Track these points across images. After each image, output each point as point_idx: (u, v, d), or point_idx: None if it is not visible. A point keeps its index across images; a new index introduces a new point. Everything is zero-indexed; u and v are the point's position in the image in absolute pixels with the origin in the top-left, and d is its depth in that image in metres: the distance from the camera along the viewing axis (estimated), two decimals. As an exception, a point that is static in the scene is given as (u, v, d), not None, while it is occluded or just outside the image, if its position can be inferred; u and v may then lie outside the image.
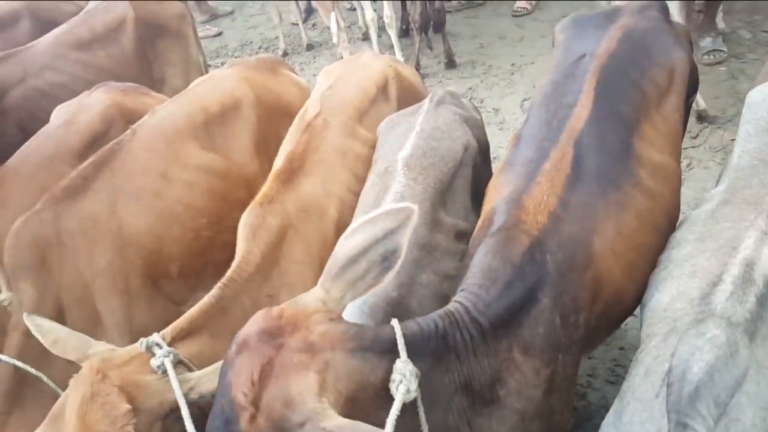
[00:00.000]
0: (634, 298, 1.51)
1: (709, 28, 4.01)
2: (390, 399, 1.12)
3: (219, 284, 1.57)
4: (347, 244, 1.23)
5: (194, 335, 1.49)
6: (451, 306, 1.32)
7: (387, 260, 1.22)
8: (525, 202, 1.45)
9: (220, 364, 1.23)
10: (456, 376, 1.28)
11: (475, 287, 1.34)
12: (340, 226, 1.77)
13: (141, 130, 2.02)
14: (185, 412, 1.21)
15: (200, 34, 4.66)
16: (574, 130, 1.55)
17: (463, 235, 1.70)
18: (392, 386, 1.14)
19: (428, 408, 1.21)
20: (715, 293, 1.22)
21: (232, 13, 6.19)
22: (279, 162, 1.91)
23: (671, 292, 1.35)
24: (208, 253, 2.00)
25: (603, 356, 2.36)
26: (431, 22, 4.36)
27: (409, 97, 2.22)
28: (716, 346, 1.13)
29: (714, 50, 3.97)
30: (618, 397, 1.36)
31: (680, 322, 1.23)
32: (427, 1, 4.26)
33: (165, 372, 1.31)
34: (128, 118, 2.25)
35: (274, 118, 2.21)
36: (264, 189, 1.78)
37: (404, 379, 1.13)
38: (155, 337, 1.38)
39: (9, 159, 2.11)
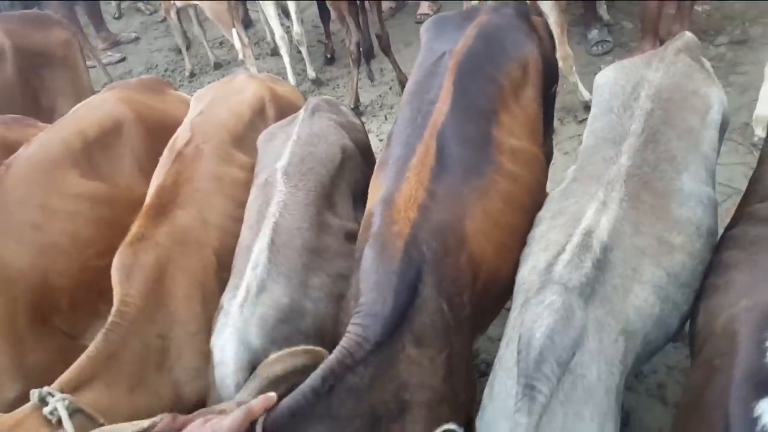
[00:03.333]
0: (509, 275, 1.58)
1: (594, 21, 4.26)
2: None
3: (102, 331, 1.53)
4: (273, 368, 1.29)
5: (87, 384, 1.45)
6: (340, 349, 1.31)
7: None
8: (396, 200, 1.51)
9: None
10: (358, 421, 1.29)
11: (367, 307, 1.36)
12: (223, 255, 1.77)
13: (15, 163, 1.95)
14: None
15: (103, 61, 4.58)
16: (436, 125, 1.63)
17: (352, 236, 1.74)
18: None
19: None
20: (556, 262, 1.32)
21: (137, 39, 6.08)
22: (149, 196, 1.87)
23: (528, 266, 1.45)
24: (100, 282, 1.90)
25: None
26: (372, 51, 4.06)
27: (289, 115, 2.20)
28: (554, 310, 1.23)
29: (601, 41, 4.22)
30: (492, 369, 1.45)
31: (530, 292, 1.33)
32: (365, 27, 3.93)
33: (60, 421, 1.27)
34: (11, 151, 2.19)
35: (162, 136, 2.15)
36: (133, 228, 1.74)
37: None
38: (46, 389, 1.34)
39: None
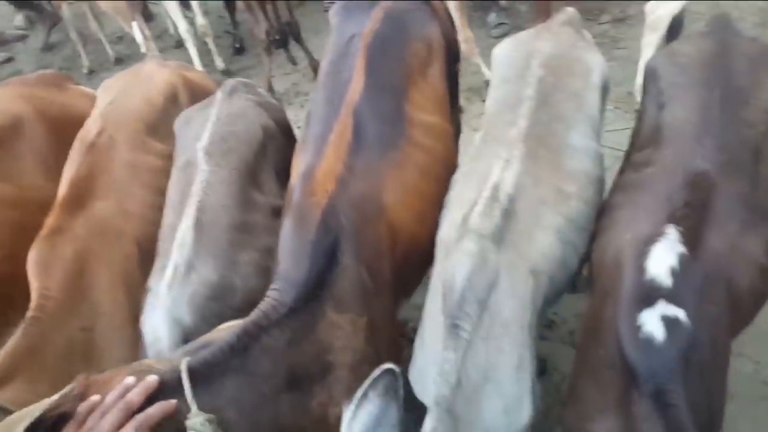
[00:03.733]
0: (429, 241, 1.69)
1: (492, 5, 4.51)
2: None
3: (21, 326, 1.51)
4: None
5: (7, 381, 1.43)
6: (257, 312, 1.36)
7: (220, 340, 1.27)
8: (315, 173, 1.58)
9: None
10: (276, 380, 1.34)
11: (285, 273, 1.42)
12: (144, 244, 1.76)
13: None
14: None
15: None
16: (351, 103, 1.72)
17: (279, 212, 1.78)
18: None
19: (256, 427, 1.26)
20: (471, 215, 1.47)
21: (24, 37, 5.72)
22: (62, 190, 1.84)
23: (447, 223, 1.59)
24: (12, 286, 1.83)
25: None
26: (287, 39, 4.04)
27: (202, 101, 2.19)
28: (471, 256, 1.37)
29: (499, 24, 4.48)
30: (420, 323, 1.58)
31: (450, 243, 1.47)
32: (273, 15, 3.90)
33: None
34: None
35: (66, 132, 2.09)
36: (48, 221, 1.71)
37: None
38: None
39: None
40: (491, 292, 1.37)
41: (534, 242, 1.49)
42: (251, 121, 1.93)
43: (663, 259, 1.26)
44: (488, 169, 1.59)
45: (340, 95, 1.76)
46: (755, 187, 1.44)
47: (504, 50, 1.92)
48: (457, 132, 2.22)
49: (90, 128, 1.99)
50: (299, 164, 1.71)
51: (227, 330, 1.33)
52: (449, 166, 1.83)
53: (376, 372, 1.11)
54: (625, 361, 1.19)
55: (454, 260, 1.39)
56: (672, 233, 1.30)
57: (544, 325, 2.48)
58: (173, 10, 4.18)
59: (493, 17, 4.46)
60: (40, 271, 1.62)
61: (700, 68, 1.63)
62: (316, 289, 1.42)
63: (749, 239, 1.37)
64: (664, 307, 1.20)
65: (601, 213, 1.64)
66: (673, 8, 2.96)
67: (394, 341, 1.66)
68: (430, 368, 1.43)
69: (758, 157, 1.50)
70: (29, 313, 1.54)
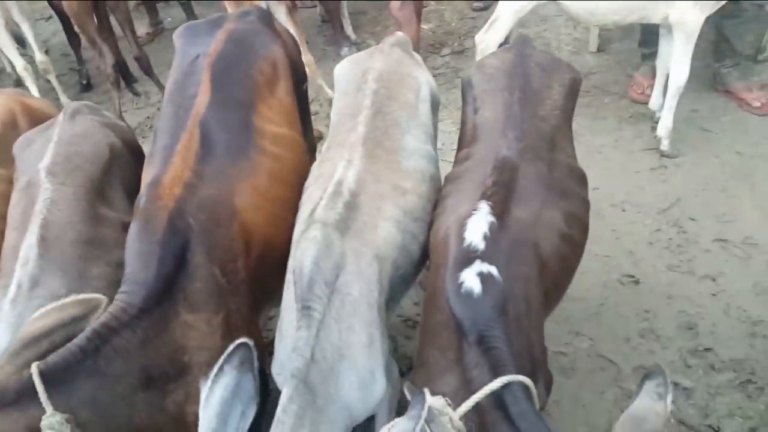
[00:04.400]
0: (285, 242, 1.77)
1: (343, 40, 4.79)
2: None
3: None
4: (35, 326, 1.28)
5: None
6: (107, 314, 1.38)
7: (68, 341, 1.30)
8: (162, 180, 1.62)
9: None
10: (129, 379, 1.36)
11: (133, 275, 1.45)
12: None
13: None
14: None
15: None
16: (198, 115, 1.80)
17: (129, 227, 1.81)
18: None
19: (112, 424, 1.29)
20: (317, 208, 1.60)
21: None
22: None
23: (299, 220, 1.71)
24: None
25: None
26: (129, 74, 4.01)
27: None
28: (316, 242, 1.50)
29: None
30: (278, 318, 1.66)
31: (298, 234, 1.59)
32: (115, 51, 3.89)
33: None
34: None
35: None
36: None
37: None
38: None
39: None
40: (338, 274, 1.50)
41: (377, 231, 1.65)
42: (97, 140, 1.93)
43: (477, 227, 1.47)
44: (333, 169, 1.73)
45: (186, 109, 1.82)
46: (551, 169, 1.73)
47: (343, 68, 2.11)
48: (311, 144, 2.36)
49: None
50: (147, 176, 1.74)
51: (44, 320, 1.31)
52: (301, 173, 1.94)
53: (231, 346, 1.17)
54: (453, 317, 1.36)
55: (302, 247, 1.51)
56: (483, 207, 1.52)
57: (409, 325, 2.65)
58: (6, 47, 3.94)
59: (345, 51, 4.74)
60: None
61: (504, 76, 1.92)
62: (165, 289, 1.45)
63: (549, 211, 1.63)
64: (479, 266, 1.40)
65: (435, 204, 1.84)
66: (498, 37, 3.37)
67: (255, 340, 1.71)
68: (288, 352, 1.51)
69: (553, 146, 1.79)
70: None
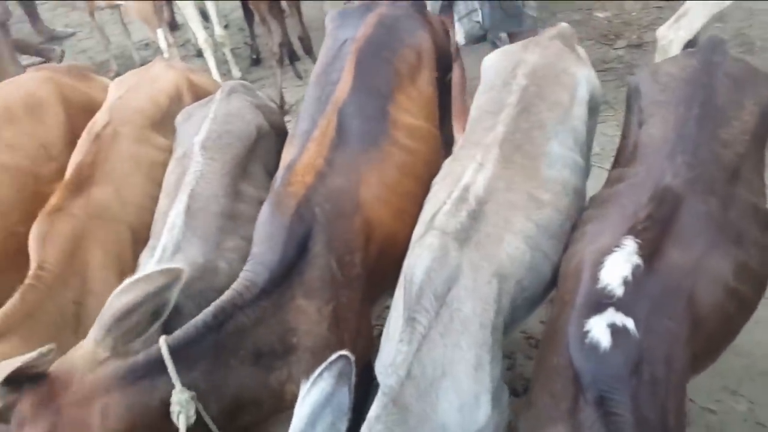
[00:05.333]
0: (409, 236, 1.69)
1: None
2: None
3: (19, 291, 1.62)
4: (120, 300, 1.33)
5: (2, 337, 1.53)
6: (230, 291, 1.45)
7: (156, 314, 1.36)
8: (296, 166, 1.66)
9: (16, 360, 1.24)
10: (243, 353, 1.42)
11: (259, 256, 1.51)
12: (139, 231, 1.86)
13: None
14: None
15: (25, 62, 4.51)
16: (337, 102, 1.78)
17: None
18: (173, 416, 1.26)
19: (220, 396, 1.35)
20: (438, 213, 1.48)
21: (73, 34, 5.98)
22: (67, 173, 1.96)
23: (420, 222, 1.61)
24: (25, 249, 1.97)
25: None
26: (293, 53, 4.12)
27: None
28: (431, 251, 1.39)
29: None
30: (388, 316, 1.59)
31: (415, 238, 1.49)
32: (284, 28, 4.02)
33: None
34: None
35: (84, 116, 2.23)
36: (52, 200, 1.83)
37: (182, 409, 1.25)
38: None
39: None
40: (451, 288, 1.38)
41: (501, 245, 1.50)
42: (247, 121, 2.00)
43: (617, 268, 1.26)
44: (462, 170, 1.61)
45: (328, 95, 1.82)
46: (727, 207, 1.43)
47: (492, 60, 1.95)
48: (448, 140, 2.25)
49: (98, 120, 2.12)
50: (286, 158, 1.78)
51: (133, 292, 1.34)
52: (433, 169, 1.85)
53: (333, 357, 1.16)
54: (573, 368, 1.18)
55: (416, 254, 1.41)
56: (629, 244, 1.30)
57: (532, 344, 2.46)
58: (193, 20, 4.35)
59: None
60: (39, 245, 1.73)
61: (682, 87, 1.63)
62: (286, 273, 1.48)
63: (715, 259, 1.35)
64: (612, 315, 1.20)
65: (574, 226, 1.64)
66: (685, 35, 2.96)
67: (363, 334, 1.69)
68: (390, 358, 1.44)
69: (734, 179, 1.48)
70: (27, 281, 1.66)
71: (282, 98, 4.26)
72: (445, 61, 2.11)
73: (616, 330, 1.18)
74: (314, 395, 1.13)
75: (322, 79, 1.91)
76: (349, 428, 1.19)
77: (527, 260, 1.54)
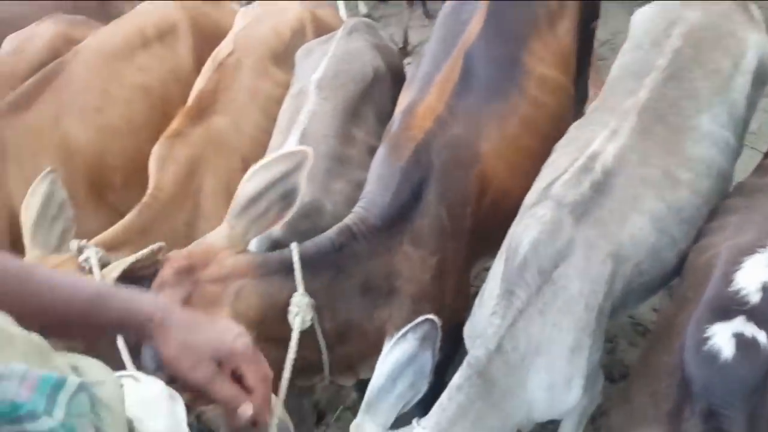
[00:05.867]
0: (520, 200, 1.60)
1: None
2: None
3: (137, 207, 1.70)
4: (249, 185, 1.35)
5: (118, 248, 1.60)
6: (349, 219, 1.47)
7: (286, 199, 1.36)
8: (416, 110, 1.60)
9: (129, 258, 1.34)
10: (355, 280, 1.44)
11: (371, 195, 1.50)
12: (250, 163, 1.84)
13: (83, 50, 2.13)
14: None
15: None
16: (465, 44, 1.68)
17: (375, 151, 1.83)
18: (290, 317, 1.30)
19: (331, 314, 1.38)
20: (556, 181, 1.36)
21: None
22: (190, 99, 2.00)
23: (534, 188, 1.50)
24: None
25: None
26: None
27: None
28: (542, 223, 1.29)
29: None
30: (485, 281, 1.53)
31: (526, 207, 1.39)
32: None
33: (90, 270, 1.38)
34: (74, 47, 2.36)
35: (213, 42, 2.27)
36: (173, 124, 1.88)
37: (300, 311, 1.29)
38: (83, 241, 1.48)
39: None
40: (558, 264, 1.28)
41: (624, 225, 1.36)
42: (364, 62, 1.94)
43: (757, 272, 1.11)
44: (591, 137, 1.46)
45: (455, 36, 1.71)
46: None
47: (645, 14, 1.73)
48: (582, 96, 2.07)
49: (222, 48, 2.15)
50: (404, 101, 1.72)
51: (258, 180, 1.36)
52: (561, 127, 1.71)
53: (419, 319, 1.15)
54: (684, 373, 1.06)
55: (524, 224, 1.32)
56: (776, 247, 1.12)
57: (638, 331, 2.30)
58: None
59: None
60: (158, 166, 1.81)
61: None
62: (397, 217, 1.47)
63: None
64: (741, 325, 1.06)
65: (713, 213, 1.45)
66: None
67: (462, 291, 1.65)
68: (483, 326, 1.39)
69: None
70: (144, 199, 1.75)
71: (406, 38, 4.13)
72: (589, 7, 1.91)
73: (742, 341, 1.04)
74: (397, 354, 1.14)
75: (450, 19, 1.80)
76: (429, 389, 1.18)
77: (651, 243, 1.40)
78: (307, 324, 1.30)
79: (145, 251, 1.34)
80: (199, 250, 1.34)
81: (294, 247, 1.36)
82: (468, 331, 1.49)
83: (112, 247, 1.57)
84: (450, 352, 1.57)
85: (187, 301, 1.25)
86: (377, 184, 1.52)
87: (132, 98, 2.13)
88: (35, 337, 0.71)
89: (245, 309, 1.28)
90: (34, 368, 0.60)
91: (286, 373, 1.12)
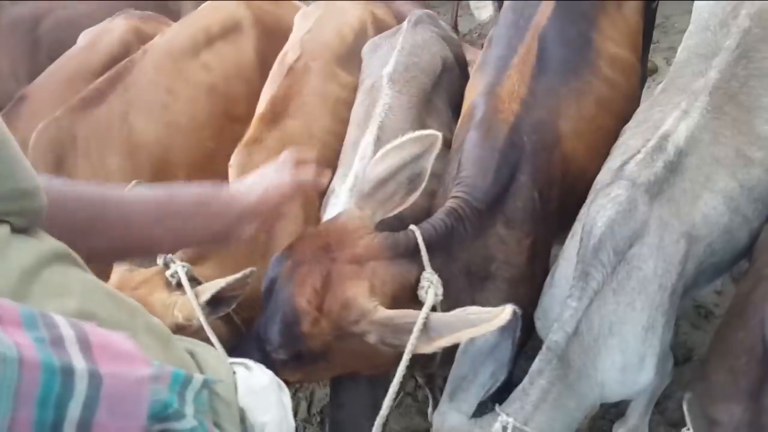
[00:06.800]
0: (595, 177, 1.60)
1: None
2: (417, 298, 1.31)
3: None
4: (380, 167, 1.37)
5: (202, 260, 1.65)
6: (453, 202, 1.47)
7: (412, 182, 1.38)
8: (499, 92, 1.61)
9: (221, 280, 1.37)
10: (461, 264, 1.45)
11: (470, 179, 1.49)
12: (322, 165, 1.91)
13: (151, 49, 2.22)
14: (199, 313, 1.30)
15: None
16: (538, 26, 1.69)
17: (446, 141, 1.81)
18: (421, 292, 1.31)
19: (447, 293, 1.36)
20: (630, 161, 1.38)
21: None
22: (262, 105, 2.04)
23: (605, 169, 1.51)
24: (212, 162, 2.15)
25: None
26: None
27: None
28: (617, 203, 1.30)
29: None
30: (555, 261, 1.55)
31: (599, 186, 1.41)
32: None
33: (178, 284, 1.40)
34: (144, 42, 2.41)
35: (275, 40, 2.33)
36: (249, 131, 1.92)
37: (432, 285, 1.29)
38: (170, 256, 1.50)
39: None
40: (633, 244, 1.29)
41: (697, 204, 1.37)
42: (433, 53, 1.97)
43: None
44: (662, 118, 1.47)
45: (528, 18, 1.73)
46: None
47: (709, -3, 1.71)
48: (645, 73, 2.07)
49: (290, 52, 2.19)
50: (477, 84, 1.73)
51: (388, 161, 1.37)
52: (631, 104, 1.73)
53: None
54: (764, 347, 1.07)
55: (599, 204, 1.33)
56: None
57: (701, 313, 2.28)
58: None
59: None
60: (237, 174, 1.84)
61: None
62: (496, 198, 1.47)
63: None
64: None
65: None
66: None
67: (547, 269, 1.64)
68: (554, 310, 1.42)
69: None
70: None
71: (456, 26, 4.14)
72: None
73: None
74: (478, 344, 1.16)
75: (519, 3, 1.81)
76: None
77: (723, 223, 1.40)
78: (440, 297, 1.29)
79: (237, 276, 1.35)
80: (333, 230, 1.36)
81: (415, 228, 1.37)
82: (539, 313, 1.51)
83: (197, 260, 1.61)
84: (525, 339, 1.56)
85: (326, 277, 1.28)
86: (475, 168, 1.50)
87: (196, 96, 2.20)
88: (157, 322, 0.74)
89: (380, 288, 1.29)
90: (159, 356, 0.62)
91: (410, 346, 1.13)
